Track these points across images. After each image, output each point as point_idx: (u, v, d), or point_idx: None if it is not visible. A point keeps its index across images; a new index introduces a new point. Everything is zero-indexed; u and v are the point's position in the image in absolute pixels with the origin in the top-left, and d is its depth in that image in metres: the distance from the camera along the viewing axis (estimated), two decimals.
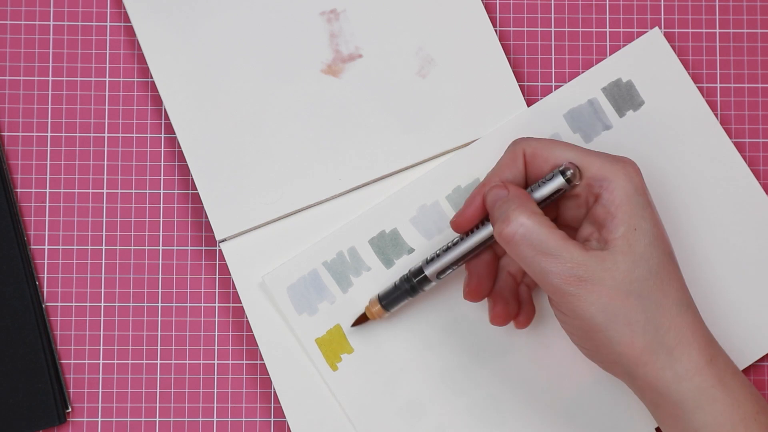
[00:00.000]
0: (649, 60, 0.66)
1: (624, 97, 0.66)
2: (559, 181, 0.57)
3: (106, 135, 0.66)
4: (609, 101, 0.65)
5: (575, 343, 0.57)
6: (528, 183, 0.59)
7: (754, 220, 0.65)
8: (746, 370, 0.65)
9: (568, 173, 0.56)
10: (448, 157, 0.65)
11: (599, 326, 0.54)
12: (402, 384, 0.63)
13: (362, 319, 0.63)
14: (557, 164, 0.57)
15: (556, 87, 0.67)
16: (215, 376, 0.65)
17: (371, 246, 0.64)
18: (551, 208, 0.59)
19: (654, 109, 0.65)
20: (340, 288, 0.64)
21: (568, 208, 0.59)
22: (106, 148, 0.66)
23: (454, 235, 0.61)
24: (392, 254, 0.64)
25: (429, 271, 0.60)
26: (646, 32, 0.67)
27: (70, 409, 0.64)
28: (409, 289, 0.61)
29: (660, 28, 0.68)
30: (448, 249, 0.60)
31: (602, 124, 0.65)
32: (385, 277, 0.64)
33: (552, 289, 0.55)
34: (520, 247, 0.55)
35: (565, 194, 0.58)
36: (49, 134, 0.66)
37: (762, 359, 0.65)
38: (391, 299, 0.62)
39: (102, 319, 0.65)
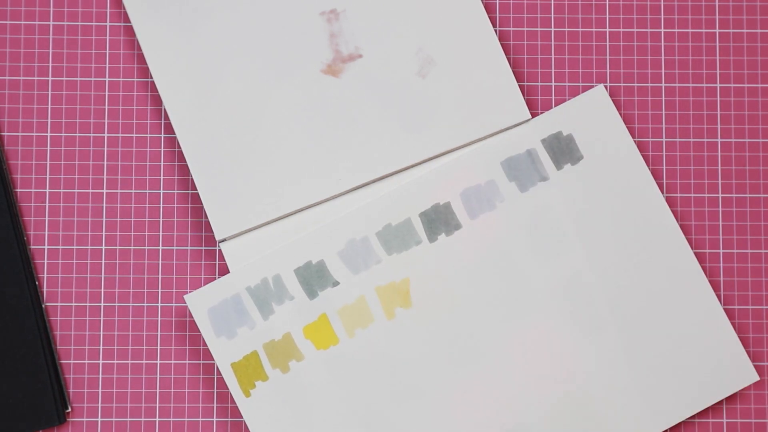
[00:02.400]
0: (591, 116, 0.66)
1: (563, 150, 0.65)
2: None
3: (106, 135, 0.66)
4: (548, 153, 0.65)
5: None
6: None
7: (681, 280, 0.65)
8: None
9: None
10: (381, 195, 0.65)
11: None
12: (312, 419, 0.63)
13: None
14: None
15: (556, 87, 0.67)
16: (215, 376, 0.65)
17: (296, 275, 0.64)
18: None
19: (592, 165, 0.65)
20: (261, 315, 0.64)
21: None
22: (106, 148, 0.66)
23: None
24: (316, 286, 0.64)
25: None
26: (591, 88, 0.67)
27: (70, 409, 0.65)
28: None
29: (660, 28, 0.68)
30: None
31: (539, 175, 0.65)
32: (308, 308, 0.64)
33: None
34: None
35: None
36: (49, 134, 0.66)
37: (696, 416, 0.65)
38: None
39: (102, 319, 0.65)
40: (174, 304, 0.66)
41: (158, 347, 0.65)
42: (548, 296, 0.64)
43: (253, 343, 0.64)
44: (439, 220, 0.65)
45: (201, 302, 0.64)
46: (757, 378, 0.64)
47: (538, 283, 0.64)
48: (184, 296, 0.63)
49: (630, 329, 0.64)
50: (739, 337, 0.66)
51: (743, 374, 0.64)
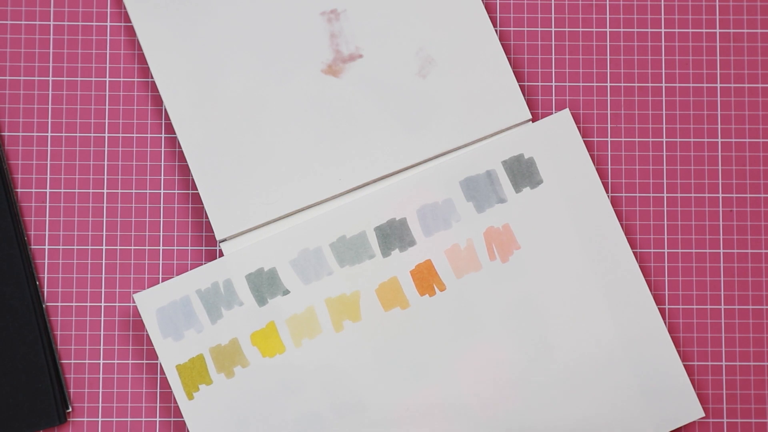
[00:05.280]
0: (555, 140, 0.65)
1: (523, 173, 0.65)
2: None
3: (106, 135, 0.66)
4: (507, 175, 0.65)
5: None
6: None
7: (631, 309, 0.64)
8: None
9: None
10: (337, 207, 0.65)
11: None
12: (253, 425, 0.63)
13: None
14: None
15: (557, 87, 0.67)
16: None
17: (247, 281, 0.64)
18: None
19: (551, 190, 0.65)
20: (210, 318, 0.63)
21: None
22: (106, 148, 0.66)
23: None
24: (267, 293, 0.64)
25: None
26: (559, 111, 0.67)
27: (70, 409, 0.64)
28: None
29: (660, 28, 0.68)
30: None
31: (497, 197, 0.65)
32: (256, 315, 0.63)
33: None
34: None
35: None
36: (49, 134, 0.66)
37: None
38: None
39: (102, 319, 0.65)
40: None
41: None
42: (497, 318, 0.64)
43: (200, 346, 0.63)
44: (393, 236, 0.64)
45: (150, 302, 0.63)
46: (702, 414, 0.64)
47: (488, 304, 0.64)
48: (133, 295, 0.63)
49: (579, 355, 0.64)
50: (739, 337, 0.66)
51: (690, 409, 0.64)
